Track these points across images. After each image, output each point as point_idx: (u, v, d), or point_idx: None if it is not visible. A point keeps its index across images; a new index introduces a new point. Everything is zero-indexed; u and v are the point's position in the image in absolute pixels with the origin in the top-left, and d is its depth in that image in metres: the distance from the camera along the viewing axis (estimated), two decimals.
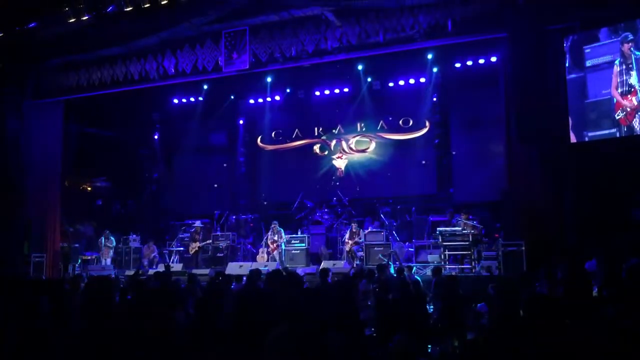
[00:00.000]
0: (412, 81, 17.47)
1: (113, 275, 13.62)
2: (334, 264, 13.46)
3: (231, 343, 4.06)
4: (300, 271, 12.51)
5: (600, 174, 11.11)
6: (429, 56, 15.79)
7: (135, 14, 13.15)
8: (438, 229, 13.33)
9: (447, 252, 12.90)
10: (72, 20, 13.64)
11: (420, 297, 8.07)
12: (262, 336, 3.49)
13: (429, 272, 12.68)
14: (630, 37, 10.92)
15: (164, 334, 4.84)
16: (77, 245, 16.57)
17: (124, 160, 19.81)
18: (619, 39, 11.08)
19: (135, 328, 4.98)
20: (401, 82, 17.67)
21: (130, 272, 14.23)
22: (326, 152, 19.18)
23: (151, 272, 13.52)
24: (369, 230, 14.92)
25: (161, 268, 14.06)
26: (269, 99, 19.24)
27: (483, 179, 15.85)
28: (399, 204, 17.10)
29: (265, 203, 19.53)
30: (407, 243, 15.17)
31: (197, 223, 16.77)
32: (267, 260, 14.90)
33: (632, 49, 10.87)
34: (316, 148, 19.36)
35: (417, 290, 8.81)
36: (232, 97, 19.46)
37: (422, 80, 17.26)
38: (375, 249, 13.88)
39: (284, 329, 3.50)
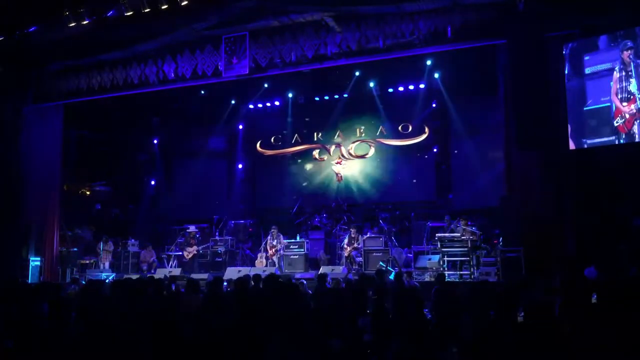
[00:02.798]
0: (411, 87, 17.52)
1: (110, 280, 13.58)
2: (332, 270, 13.44)
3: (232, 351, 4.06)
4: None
5: (599, 181, 11.11)
6: (429, 62, 15.86)
7: (136, 18, 13.15)
8: (437, 234, 13.34)
9: (446, 258, 12.89)
10: (73, 24, 13.63)
11: (419, 303, 8.05)
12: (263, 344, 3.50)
13: (427, 277, 12.68)
14: (630, 44, 10.94)
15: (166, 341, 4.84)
16: (75, 249, 16.55)
17: (123, 164, 19.83)
18: (619, 46, 11.10)
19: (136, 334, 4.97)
20: (401, 88, 17.72)
21: (130, 277, 14.23)
22: (325, 158, 19.19)
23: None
24: (368, 235, 14.92)
25: (160, 273, 14.07)
26: (268, 104, 19.31)
27: (482, 186, 15.87)
28: (398, 210, 17.12)
29: (264, 208, 19.54)
30: (405, 249, 15.17)
31: (192, 228, 16.75)
32: (266, 265, 14.88)
33: (631, 56, 10.89)
34: (315, 153, 19.37)
35: (415, 296, 8.79)
36: (232, 102, 19.49)
37: (422, 86, 17.30)
38: (374, 254, 13.88)
39: (284, 337, 3.50)
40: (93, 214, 19.36)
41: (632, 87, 10.85)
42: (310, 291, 9.69)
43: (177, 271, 14.83)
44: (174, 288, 10.11)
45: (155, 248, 17.04)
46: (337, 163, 18.94)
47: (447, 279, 12.15)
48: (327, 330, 5.03)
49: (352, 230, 14.94)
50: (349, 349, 4.58)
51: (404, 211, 16.91)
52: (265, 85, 17.76)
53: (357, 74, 16.86)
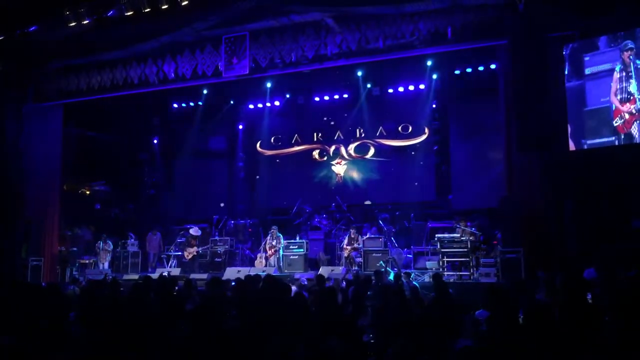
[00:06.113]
0: (411, 87, 17.50)
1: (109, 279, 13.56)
2: (332, 270, 13.44)
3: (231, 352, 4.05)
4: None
5: (599, 181, 11.12)
6: (429, 63, 15.84)
7: (136, 18, 13.16)
8: (437, 235, 13.33)
9: (445, 259, 12.89)
10: (73, 24, 13.64)
11: (418, 303, 8.06)
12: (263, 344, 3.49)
13: (427, 278, 12.67)
14: (630, 45, 10.95)
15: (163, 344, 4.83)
16: (75, 249, 16.55)
17: (123, 164, 19.81)
18: (619, 46, 11.10)
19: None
20: (400, 89, 17.70)
21: (129, 276, 14.26)
22: (325, 158, 19.17)
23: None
24: (368, 236, 14.92)
25: (158, 273, 14.04)
26: (268, 104, 19.30)
27: (482, 186, 15.85)
28: (398, 210, 17.10)
29: (263, 208, 19.53)
30: (405, 249, 15.16)
31: (194, 229, 16.73)
32: (265, 266, 14.87)
33: (631, 57, 10.89)
34: (315, 154, 19.35)
35: (415, 296, 8.80)
36: (232, 102, 19.49)
37: (422, 86, 17.28)
38: (374, 255, 13.88)
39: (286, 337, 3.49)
40: (93, 214, 19.34)
41: (632, 87, 10.85)
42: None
43: (176, 271, 14.83)
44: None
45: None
46: (337, 163, 18.93)
47: (446, 279, 12.16)
48: (326, 330, 5.03)
49: (352, 231, 14.94)
50: (347, 349, 4.57)
51: (404, 212, 16.89)
52: (269, 85, 17.74)
53: (357, 74, 16.83)
